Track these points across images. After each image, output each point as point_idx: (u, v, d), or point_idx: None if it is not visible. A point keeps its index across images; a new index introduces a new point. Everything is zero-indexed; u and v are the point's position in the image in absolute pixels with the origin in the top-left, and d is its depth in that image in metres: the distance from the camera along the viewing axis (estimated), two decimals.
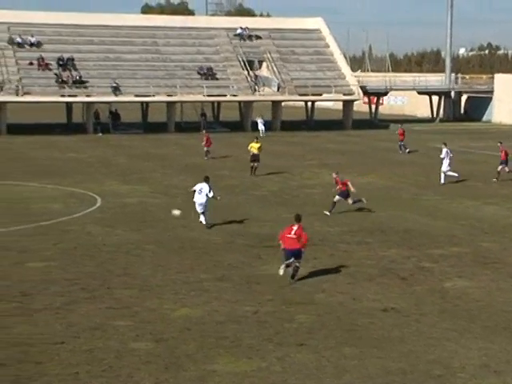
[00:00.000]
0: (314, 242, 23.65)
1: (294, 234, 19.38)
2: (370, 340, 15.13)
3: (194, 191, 26.54)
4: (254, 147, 39.94)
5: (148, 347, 14.62)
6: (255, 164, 39.45)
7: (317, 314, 16.64)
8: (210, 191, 26.29)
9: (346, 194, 28.92)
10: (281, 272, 19.27)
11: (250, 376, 13.37)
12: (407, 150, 50.24)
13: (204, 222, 26.45)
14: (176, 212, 26.45)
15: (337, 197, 28.93)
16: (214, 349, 14.56)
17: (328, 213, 28.50)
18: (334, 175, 29.74)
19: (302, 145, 56.02)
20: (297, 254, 19.31)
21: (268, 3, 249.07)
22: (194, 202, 26.42)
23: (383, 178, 38.52)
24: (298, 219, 19.98)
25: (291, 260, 19.26)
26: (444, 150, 36.99)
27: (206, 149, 46.47)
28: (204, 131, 50.10)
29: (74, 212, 28.54)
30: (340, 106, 75.83)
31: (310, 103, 77.39)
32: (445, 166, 36.82)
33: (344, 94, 71.95)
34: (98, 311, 16.71)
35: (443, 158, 36.95)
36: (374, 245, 23.53)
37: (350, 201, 28.96)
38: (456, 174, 36.82)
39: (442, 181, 36.63)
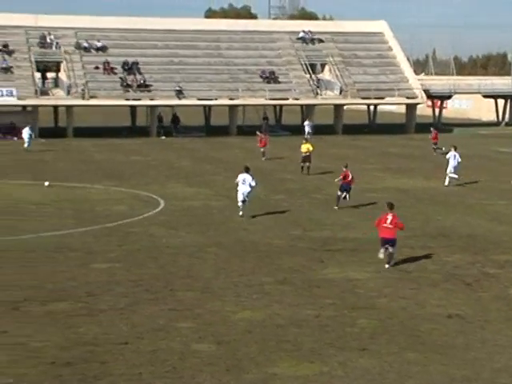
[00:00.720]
0: (376, 247, 23.47)
1: (390, 223, 20.90)
2: (434, 346, 14.96)
3: (238, 183, 28.46)
4: (304, 148, 41.32)
5: (210, 349, 14.71)
6: (306, 164, 40.83)
7: (379, 319, 16.53)
8: (252, 180, 28.26)
9: (345, 188, 30.45)
10: (381, 256, 21.08)
11: (311, 380, 13.35)
12: (441, 152, 49.94)
13: (240, 213, 28.27)
14: (46, 183, 34.93)
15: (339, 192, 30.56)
16: (276, 352, 14.57)
17: (336, 207, 30.19)
18: (344, 169, 31.06)
19: (363, 148, 55.74)
20: (392, 242, 20.90)
21: (331, 6, 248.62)
22: (237, 192, 28.35)
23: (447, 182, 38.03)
24: (391, 207, 21.45)
25: (386, 246, 20.97)
26: (451, 153, 37.49)
27: (262, 149, 47.75)
28: (258, 132, 51.03)
29: (138, 214, 28.90)
30: (403, 109, 75.25)
31: (372, 107, 76.99)
32: (449, 169, 37.39)
33: (407, 98, 71.43)
34: (161, 312, 16.88)
35: (449, 159, 37.51)
36: (437, 250, 23.27)
37: (345, 195, 30.49)
38: (456, 176, 37.07)
39: (446, 183, 37.07)
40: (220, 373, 13.58)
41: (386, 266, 20.84)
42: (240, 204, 28.33)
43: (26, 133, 53.18)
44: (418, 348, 14.81)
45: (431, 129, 54.27)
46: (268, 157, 47.54)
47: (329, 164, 43.98)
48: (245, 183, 28.23)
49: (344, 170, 30.96)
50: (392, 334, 15.59)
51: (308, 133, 59.99)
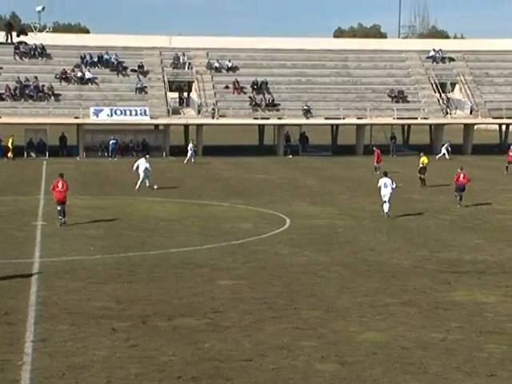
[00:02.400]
0: (506, 270, 22.92)
1: None
2: None
3: (380, 187, 32.75)
4: (423, 160, 44.22)
5: (333, 369, 14.64)
6: (420, 175, 43.87)
7: (509, 345, 16.03)
8: (392, 183, 32.38)
9: (460, 188, 35.58)
10: None
11: None
12: None
13: (386, 211, 32.35)
14: (155, 187, 40.63)
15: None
16: (400, 375, 14.36)
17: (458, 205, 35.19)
18: (459, 170, 36.11)
19: (494, 169, 54.25)
20: None
21: (462, 24, 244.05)
22: (381, 195, 32.60)
23: None
24: None
25: None
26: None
27: (376, 165, 49.51)
28: (375, 148, 52.85)
29: (263, 232, 29.19)
30: None
31: (504, 126, 74.98)
32: None
33: None
34: (284, 331, 16.95)
35: None
36: None
37: (460, 195, 35.63)
38: None
39: None
40: None
41: None
42: (384, 205, 32.51)
43: (189, 149, 57.29)
44: None
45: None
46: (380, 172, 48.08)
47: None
48: (387, 186, 32.34)
49: (458, 171, 36.08)
50: None
51: (444, 154, 58.55)
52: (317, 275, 22.25)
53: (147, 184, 40.99)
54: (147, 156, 44.95)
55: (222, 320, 17.71)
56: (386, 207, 32.40)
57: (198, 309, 18.61)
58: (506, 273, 22.51)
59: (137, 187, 40.45)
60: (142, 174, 41.01)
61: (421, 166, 44.21)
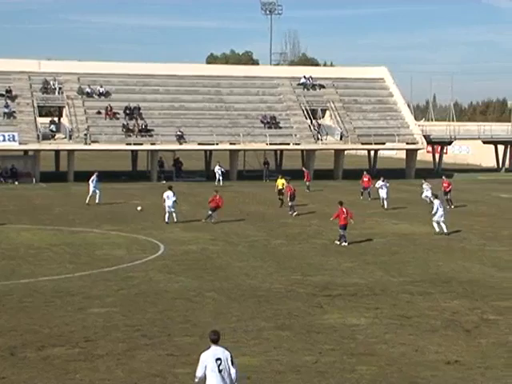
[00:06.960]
0: (376, 292, 23.49)
1: (346, 213, 31.63)
2: None
3: (164, 199, 37.91)
4: (279, 183, 47.18)
5: None
6: (280, 197, 46.34)
7: (378, 366, 16.41)
8: (173, 196, 37.84)
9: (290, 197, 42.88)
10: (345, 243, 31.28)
11: None
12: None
13: (175, 220, 37.86)
14: (138, 208, 41.93)
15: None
16: None
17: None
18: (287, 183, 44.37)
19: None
20: (346, 227, 31.78)
21: (332, 53, 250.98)
22: (165, 206, 37.94)
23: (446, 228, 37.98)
24: (341, 204, 31.70)
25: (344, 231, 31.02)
26: (380, 183, 46.47)
27: (307, 184, 55.22)
28: (304, 168, 60.77)
29: (137, 258, 28.86)
30: (403, 154, 75.52)
31: (372, 152, 77.27)
32: (383, 193, 46.18)
33: (407, 143, 71.70)
34: (158, 358, 16.77)
35: (379, 187, 46.53)
36: (436, 295, 23.17)
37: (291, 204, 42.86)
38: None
39: (386, 206, 45.83)
40: None
41: (344, 243, 31.77)
42: (167, 214, 37.85)
43: (217, 171, 61.75)
44: None
45: (364, 172, 53.63)
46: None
47: (331, 210, 43.99)
48: (169, 199, 37.66)
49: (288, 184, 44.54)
50: (391, 381, 15.46)
51: (426, 196, 48.18)
52: (191, 301, 22.15)
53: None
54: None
55: (94, 349, 17.35)
56: (167, 217, 37.69)
57: (70, 338, 18.16)
58: (376, 295, 23.07)
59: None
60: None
61: (279, 188, 46.95)
